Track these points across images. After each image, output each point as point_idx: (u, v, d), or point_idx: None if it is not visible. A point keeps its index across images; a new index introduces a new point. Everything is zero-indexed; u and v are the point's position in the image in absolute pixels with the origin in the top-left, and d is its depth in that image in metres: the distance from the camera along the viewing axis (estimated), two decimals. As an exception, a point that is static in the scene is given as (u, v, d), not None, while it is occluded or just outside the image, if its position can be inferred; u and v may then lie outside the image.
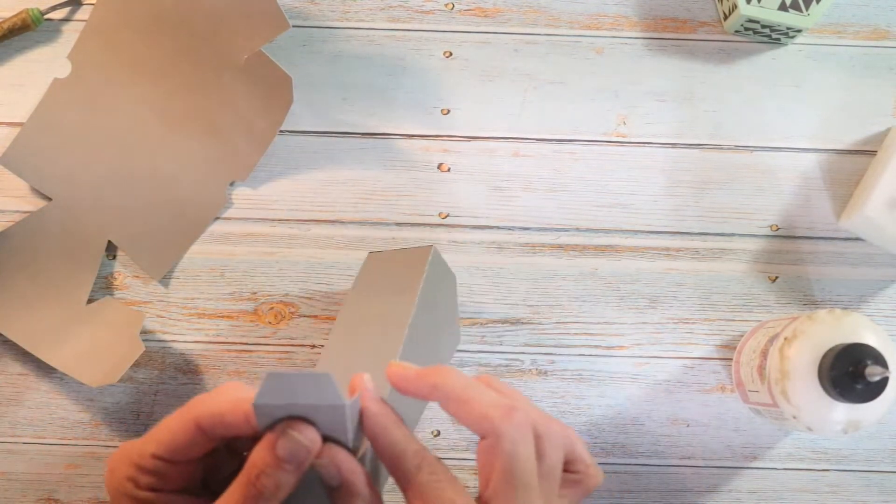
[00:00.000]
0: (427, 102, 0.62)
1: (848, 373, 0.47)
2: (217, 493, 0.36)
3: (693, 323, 0.61)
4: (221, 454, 0.40)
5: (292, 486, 0.35)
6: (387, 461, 0.37)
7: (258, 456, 0.35)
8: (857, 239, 0.62)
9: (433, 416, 0.61)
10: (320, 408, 0.35)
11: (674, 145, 0.62)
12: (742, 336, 0.61)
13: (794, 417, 0.51)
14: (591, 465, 0.41)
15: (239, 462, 0.36)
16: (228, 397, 0.36)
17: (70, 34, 0.62)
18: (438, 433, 0.61)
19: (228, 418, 0.35)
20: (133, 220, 0.61)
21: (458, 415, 0.38)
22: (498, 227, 0.62)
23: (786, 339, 0.51)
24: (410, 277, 0.50)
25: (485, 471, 0.37)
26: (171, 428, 0.36)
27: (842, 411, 0.50)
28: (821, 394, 0.49)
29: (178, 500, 0.37)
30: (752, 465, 0.61)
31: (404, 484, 0.37)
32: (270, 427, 0.35)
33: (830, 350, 0.49)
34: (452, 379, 0.38)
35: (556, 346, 0.61)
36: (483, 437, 0.37)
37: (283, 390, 0.35)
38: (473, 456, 0.61)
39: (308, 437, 0.35)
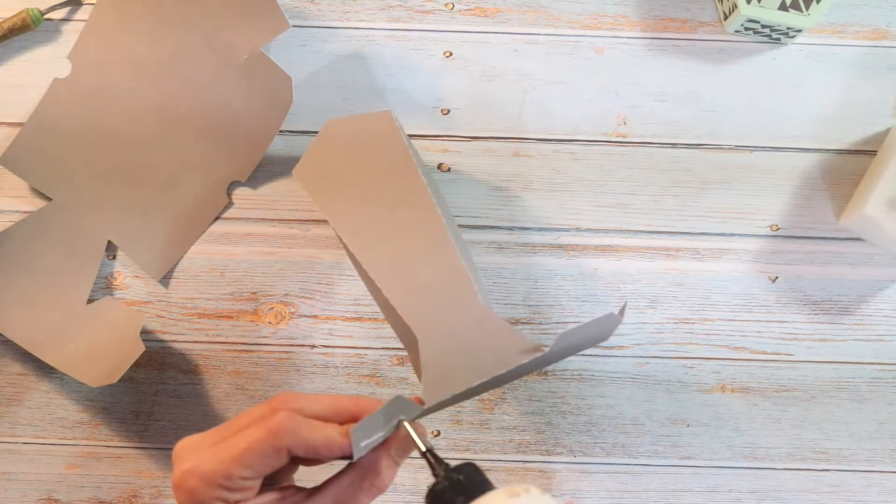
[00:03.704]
0: (427, 102, 0.62)
1: None
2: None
3: (693, 323, 0.61)
4: None
5: None
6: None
7: (381, 464, 0.43)
8: (857, 239, 0.62)
9: (433, 417, 0.61)
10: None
11: (674, 145, 0.62)
12: (742, 336, 0.61)
13: None
14: None
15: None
16: (322, 434, 0.41)
17: (70, 34, 0.62)
18: (438, 433, 0.61)
19: (323, 452, 0.41)
20: (133, 220, 0.61)
21: None
22: (498, 227, 0.62)
23: None
24: (392, 146, 0.51)
25: None
26: (259, 451, 0.40)
27: None
28: None
29: (258, 500, 0.41)
30: (752, 465, 0.61)
31: None
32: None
33: None
34: None
35: (556, 346, 0.61)
36: None
37: (370, 428, 0.41)
38: (473, 455, 0.61)
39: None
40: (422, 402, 0.44)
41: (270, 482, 0.43)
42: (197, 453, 0.40)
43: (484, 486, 0.40)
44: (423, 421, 0.61)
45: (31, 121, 0.60)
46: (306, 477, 0.46)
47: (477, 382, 0.44)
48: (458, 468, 0.40)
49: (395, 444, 0.43)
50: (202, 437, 0.41)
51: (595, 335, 0.48)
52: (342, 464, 0.43)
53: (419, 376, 0.49)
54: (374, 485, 0.42)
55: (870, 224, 0.58)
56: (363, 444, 0.41)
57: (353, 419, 0.42)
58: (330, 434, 0.41)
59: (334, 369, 0.61)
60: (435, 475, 0.41)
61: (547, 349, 0.44)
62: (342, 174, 0.51)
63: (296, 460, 0.42)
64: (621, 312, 0.44)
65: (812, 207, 0.62)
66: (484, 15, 0.63)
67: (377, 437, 0.42)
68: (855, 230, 0.61)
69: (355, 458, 0.41)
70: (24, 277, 0.60)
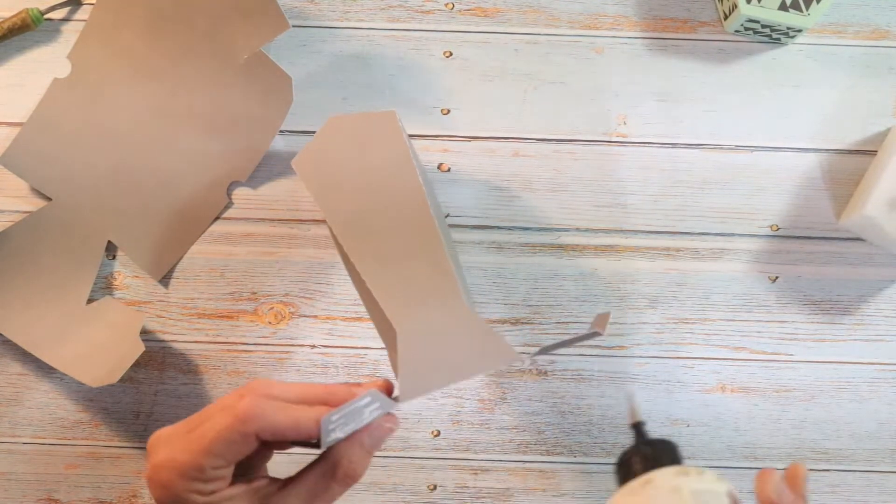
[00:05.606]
0: (427, 102, 0.62)
1: None
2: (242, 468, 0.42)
3: (693, 323, 0.61)
4: None
5: None
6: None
7: (354, 454, 0.43)
8: (857, 239, 0.62)
9: (433, 417, 0.61)
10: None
11: (674, 145, 0.62)
12: (741, 336, 0.61)
13: None
14: None
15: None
16: (288, 416, 0.41)
17: (70, 34, 0.62)
18: (438, 433, 0.61)
19: (290, 434, 0.40)
20: (133, 220, 0.61)
21: None
22: (498, 227, 0.62)
23: None
24: (394, 149, 0.51)
25: None
26: (227, 439, 0.40)
27: None
28: None
29: (233, 490, 0.41)
30: (752, 465, 0.61)
31: None
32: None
33: None
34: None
35: (556, 346, 0.61)
36: None
37: (342, 418, 0.40)
38: (473, 455, 0.61)
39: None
40: (390, 391, 0.45)
41: (246, 472, 0.43)
42: (169, 445, 0.40)
43: (665, 460, 0.41)
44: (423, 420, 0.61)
45: (31, 121, 0.60)
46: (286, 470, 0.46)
47: (450, 384, 0.45)
48: (652, 441, 0.42)
49: (367, 435, 0.43)
50: (174, 429, 0.41)
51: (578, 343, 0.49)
52: (316, 455, 0.43)
53: (396, 374, 0.50)
54: (347, 474, 0.42)
55: (870, 224, 0.58)
56: (333, 434, 0.41)
57: (325, 406, 0.43)
58: (296, 415, 0.41)
59: (334, 369, 0.61)
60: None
61: (525, 357, 0.45)
62: (341, 169, 0.51)
63: (267, 445, 0.42)
64: (602, 325, 0.45)
65: (812, 207, 0.62)
66: (484, 15, 0.63)
67: (349, 427, 0.42)
68: (855, 230, 0.61)
69: (323, 446, 0.41)
70: (24, 277, 0.60)
